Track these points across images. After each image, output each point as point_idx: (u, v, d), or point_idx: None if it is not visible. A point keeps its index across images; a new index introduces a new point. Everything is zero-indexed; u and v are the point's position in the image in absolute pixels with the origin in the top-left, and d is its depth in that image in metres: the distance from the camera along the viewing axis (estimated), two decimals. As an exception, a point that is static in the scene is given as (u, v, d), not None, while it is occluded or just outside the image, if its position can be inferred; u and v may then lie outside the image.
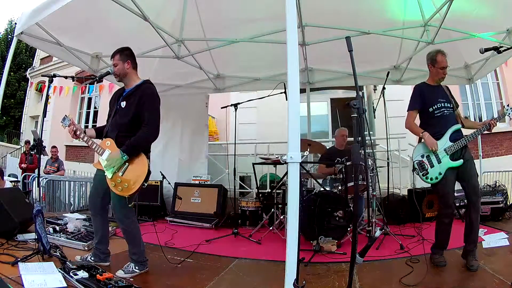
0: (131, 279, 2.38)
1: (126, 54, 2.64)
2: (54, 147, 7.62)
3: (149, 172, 2.47)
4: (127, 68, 2.62)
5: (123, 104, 2.56)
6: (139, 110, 2.48)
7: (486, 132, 2.80)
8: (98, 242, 2.70)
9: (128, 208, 2.52)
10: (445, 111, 2.78)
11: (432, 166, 2.74)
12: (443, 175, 2.69)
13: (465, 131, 2.83)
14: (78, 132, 2.59)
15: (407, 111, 2.92)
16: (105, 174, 2.47)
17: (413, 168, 2.86)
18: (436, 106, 2.79)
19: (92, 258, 2.68)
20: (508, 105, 2.79)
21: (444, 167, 2.69)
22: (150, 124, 2.46)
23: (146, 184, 2.46)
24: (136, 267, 2.51)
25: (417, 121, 2.93)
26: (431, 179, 2.72)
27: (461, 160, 2.68)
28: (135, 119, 2.49)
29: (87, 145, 2.62)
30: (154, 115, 2.50)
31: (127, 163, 2.44)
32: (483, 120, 7.58)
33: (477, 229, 2.66)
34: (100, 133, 2.72)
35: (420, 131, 2.82)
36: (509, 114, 2.72)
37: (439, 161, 2.71)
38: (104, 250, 2.71)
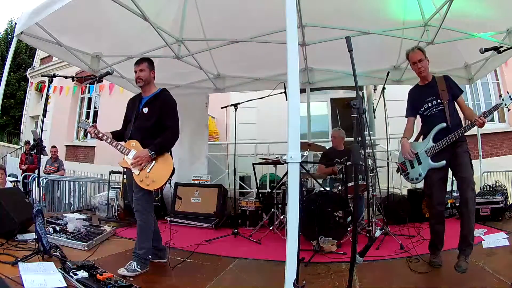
0: (131, 279, 2.38)
1: (152, 63, 2.84)
2: (53, 147, 7.60)
3: (173, 169, 2.68)
4: (152, 76, 2.82)
5: (145, 110, 2.74)
6: (162, 116, 2.70)
7: (477, 128, 2.71)
8: (153, 240, 2.75)
9: (150, 202, 2.70)
10: (434, 110, 2.69)
11: (412, 167, 2.77)
12: (423, 175, 2.69)
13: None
14: (100, 135, 2.73)
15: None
16: (132, 171, 2.63)
17: (397, 169, 2.96)
18: (423, 108, 2.74)
19: (150, 257, 2.71)
20: (503, 95, 2.49)
21: (425, 168, 2.68)
22: (173, 128, 2.70)
23: (171, 180, 2.70)
24: (138, 266, 2.52)
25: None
26: (412, 179, 2.79)
27: (443, 162, 2.60)
28: (157, 124, 2.70)
29: (111, 146, 2.74)
30: (176, 120, 2.74)
31: (153, 161, 2.63)
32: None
33: (469, 226, 2.46)
34: (119, 136, 2.83)
35: (402, 137, 2.84)
36: (505, 104, 2.44)
37: (419, 163, 2.72)
38: (161, 247, 2.84)
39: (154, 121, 2.70)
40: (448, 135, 2.57)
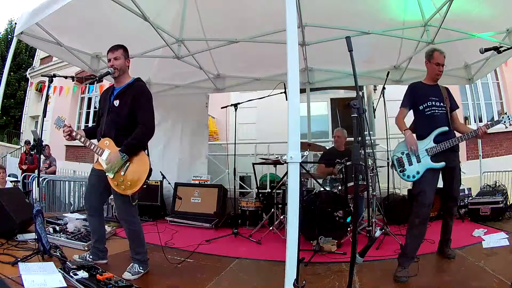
0: (131, 279, 2.38)
1: (127, 51, 2.65)
2: (45, 145, 7.54)
3: (150, 169, 2.46)
4: (127, 65, 2.62)
5: (116, 102, 2.53)
6: (134, 108, 2.48)
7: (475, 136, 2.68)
8: (96, 241, 2.71)
9: (132, 207, 2.53)
10: (436, 111, 2.69)
11: (410, 164, 2.66)
12: (421, 174, 2.60)
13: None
14: (74, 134, 2.58)
15: (399, 107, 2.87)
16: (106, 174, 2.47)
17: (392, 163, 2.82)
18: (426, 104, 2.71)
19: (91, 257, 2.68)
20: (506, 114, 2.72)
21: (423, 167, 2.60)
22: (146, 123, 2.48)
23: (148, 181, 2.47)
24: (141, 267, 2.52)
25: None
26: (408, 176, 2.66)
27: (443, 163, 2.57)
28: (132, 118, 2.49)
29: (85, 145, 2.60)
30: (149, 114, 2.52)
31: (128, 162, 2.45)
32: (483, 121, 7.63)
33: (450, 231, 2.87)
34: (92, 134, 2.69)
35: (403, 128, 2.76)
36: (504, 122, 2.60)
37: (418, 160, 2.63)
38: (102, 248, 2.73)
39: (126, 115, 2.47)
40: (452, 138, 2.61)
